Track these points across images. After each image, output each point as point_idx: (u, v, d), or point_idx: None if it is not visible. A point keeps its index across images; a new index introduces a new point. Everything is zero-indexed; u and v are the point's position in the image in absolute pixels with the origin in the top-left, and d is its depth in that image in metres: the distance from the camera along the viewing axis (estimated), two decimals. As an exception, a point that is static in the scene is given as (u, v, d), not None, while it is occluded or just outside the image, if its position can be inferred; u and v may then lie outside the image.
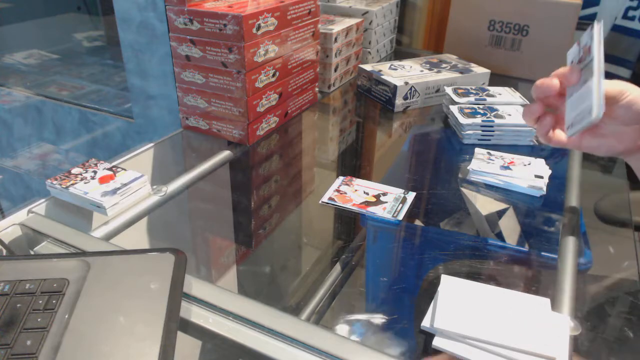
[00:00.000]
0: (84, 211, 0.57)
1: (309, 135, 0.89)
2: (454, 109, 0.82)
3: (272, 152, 0.80)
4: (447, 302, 0.44)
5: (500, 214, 0.62)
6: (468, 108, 0.82)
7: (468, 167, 0.69)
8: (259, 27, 0.70)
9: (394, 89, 0.89)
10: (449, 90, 0.88)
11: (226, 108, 0.74)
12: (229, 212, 0.70)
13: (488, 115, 0.79)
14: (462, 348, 0.40)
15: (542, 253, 0.54)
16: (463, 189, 0.67)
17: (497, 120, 0.78)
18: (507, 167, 0.68)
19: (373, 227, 0.60)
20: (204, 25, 0.69)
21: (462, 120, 0.78)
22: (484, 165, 0.69)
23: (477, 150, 0.73)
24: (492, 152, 0.73)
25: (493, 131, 0.78)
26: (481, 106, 0.83)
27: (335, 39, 0.93)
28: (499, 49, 1.07)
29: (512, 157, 0.71)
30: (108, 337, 0.35)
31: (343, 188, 0.66)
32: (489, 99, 0.85)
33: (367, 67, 0.96)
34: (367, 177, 0.70)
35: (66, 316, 0.36)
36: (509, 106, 0.83)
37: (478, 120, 0.78)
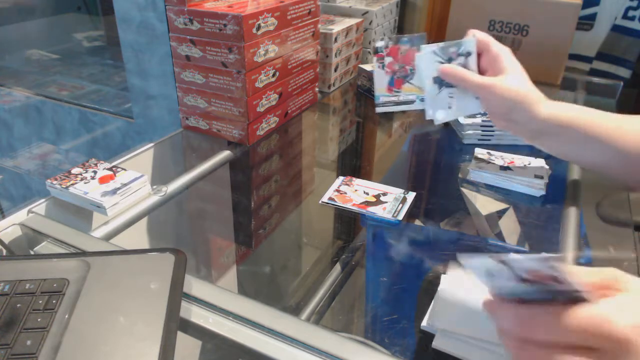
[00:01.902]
0: (84, 211, 0.57)
1: (309, 135, 0.89)
2: (454, 109, 0.82)
3: (272, 152, 0.80)
4: (447, 302, 0.44)
5: (500, 214, 0.62)
6: (468, 108, 0.82)
7: (468, 167, 0.69)
8: (259, 27, 0.70)
9: (394, 89, 0.88)
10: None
11: (226, 108, 0.74)
12: (229, 212, 0.70)
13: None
14: (462, 348, 0.40)
15: (542, 253, 0.54)
16: (463, 189, 0.67)
17: (497, 120, 0.78)
18: (507, 167, 0.68)
19: (373, 227, 0.60)
20: (204, 25, 0.69)
21: (462, 120, 0.78)
22: (484, 165, 0.69)
23: (477, 150, 0.73)
24: (492, 152, 0.73)
25: (493, 131, 0.78)
26: (481, 106, 0.83)
27: (335, 39, 0.93)
28: (499, 49, 1.07)
29: (512, 157, 0.71)
30: (108, 337, 0.35)
31: (343, 188, 0.66)
32: (489, 99, 0.85)
33: (367, 67, 0.96)
34: (367, 177, 0.70)
35: (66, 316, 0.36)
36: (509, 106, 0.83)
37: (478, 120, 0.78)
